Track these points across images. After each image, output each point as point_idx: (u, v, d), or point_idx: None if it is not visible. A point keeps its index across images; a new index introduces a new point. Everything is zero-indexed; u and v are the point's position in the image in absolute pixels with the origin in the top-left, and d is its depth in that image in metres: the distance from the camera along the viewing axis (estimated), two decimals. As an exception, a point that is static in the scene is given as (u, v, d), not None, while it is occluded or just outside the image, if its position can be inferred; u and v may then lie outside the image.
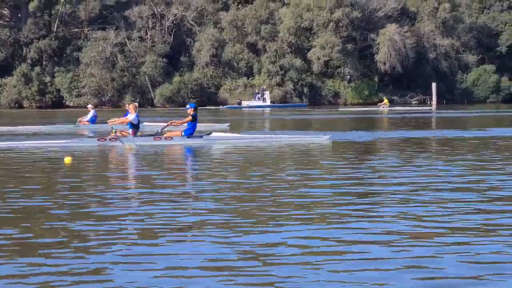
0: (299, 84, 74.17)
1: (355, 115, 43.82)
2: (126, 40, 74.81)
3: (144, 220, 7.37)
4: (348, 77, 77.44)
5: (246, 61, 75.95)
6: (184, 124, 19.08)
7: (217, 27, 77.99)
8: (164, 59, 73.62)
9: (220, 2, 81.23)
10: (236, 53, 75.74)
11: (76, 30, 78.27)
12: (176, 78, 72.20)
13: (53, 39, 75.57)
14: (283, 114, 46.69)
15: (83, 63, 72.94)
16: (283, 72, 74.06)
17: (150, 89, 73.01)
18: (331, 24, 73.20)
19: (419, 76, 79.06)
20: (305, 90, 74.09)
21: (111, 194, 9.20)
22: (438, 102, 75.11)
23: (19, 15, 77.21)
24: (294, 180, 10.52)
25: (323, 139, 18.77)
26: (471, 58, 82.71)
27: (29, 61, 75.15)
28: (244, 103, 68.44)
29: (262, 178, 10.73)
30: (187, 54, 76.82)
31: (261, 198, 8.80)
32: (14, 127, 28.06)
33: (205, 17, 79.78)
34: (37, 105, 72.39)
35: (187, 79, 72.43)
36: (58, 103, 72.78)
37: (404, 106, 63.48)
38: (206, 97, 72.87)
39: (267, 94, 69.61)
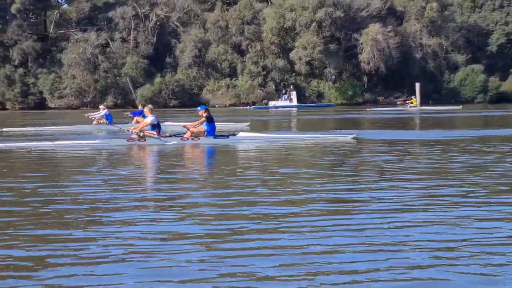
0: (282, 85, 73.57)
1: (384, 115, 43.31)
2: (109, 41, 74.59)
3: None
4: (333, 77, 76.76)
5: (230, 62, 75.50)
6: (200, 126, 19.24)
7: (202, 28, 77.53)
8: (145, 60, 73.35)
9: (208, 3, 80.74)
10: (220, 54, 75.36)
11: (61, 31, 78.06)
12: (158, 79, 71.97)
13: (37, 40, 75.43)
14: (315, 114, 46.50)
15: (65, 64, 72.71)
16: (265, 73, 73.51)
17: (132, 90, 72.67)
18: (314, 24, 72.55)
19: (406, 76, 78.28)
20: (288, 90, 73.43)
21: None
22: (423, 102, 74.15)
23: (6, 17, 77.19)
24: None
25: (348, 138, 19.06)
26: (459, 57, 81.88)
27: (14, 62, 74.98)
28: (271, 103, 69.23)
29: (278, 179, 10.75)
30: (172, 55, 76.44)
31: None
32: (41, 127, 28.69)
33: (192, 18, 79.38)
34: (20, 106, 72.47)
35: (168, 80, 72.17)
36: (41, 104, 72.67)
37: (433, 106, 62.43)
38: (188, 98, 72.55)
39: (293, 95, 70.19)
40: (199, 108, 20.01)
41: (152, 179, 11.65)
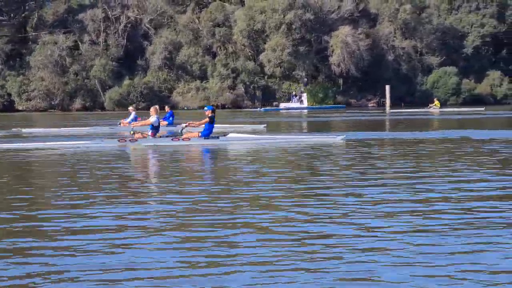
0: (251, 87, 73.18)
1: (403, 117, 43.05)
2: (80, 43, 74.15)
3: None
4: (305, 79, 76.38)
5: (200, 64, 75.07)
6: (202, 125, 19.52)
7: (174, 30, 77.11)
8: (114, 63, 72.85)
9: (183, 5, 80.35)
10: (190, 56, 74.89)
11: (35, 34, 77.46)
12: (126, 82, 71.59)
13: (7, 43, 74.91)
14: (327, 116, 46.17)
15: (32, 66, 72.19)
16: (234, 75, 73.11)
17: (101, 92, 72.16)
18: (283, 26, 72.14)
19: (380, 79, 77.86)
20: (258, 93, 73.09)
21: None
22: (394, 105, 73.89)
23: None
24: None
25: (337, 139, 19.02)
26: (433, 60, 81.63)
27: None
28: (282, 105, 69.62)
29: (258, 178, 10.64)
30: (143, 58, 76.02)
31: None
32: (57, 129, 28.92)
33: (166, 20, 78.97)
34: (-12, 109, 71.81)
35: (137, 82, 71.72)
36: (9, 107, 72.08)
37: (455, 108, 62.17)
38: (158, 100, 71.75)
39: (304, 96, 70.63)
40: (206, 108, 20.32)
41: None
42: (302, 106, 68.95)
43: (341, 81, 78.51)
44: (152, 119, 19.38)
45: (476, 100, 78.42)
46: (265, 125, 28.48)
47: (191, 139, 18.82)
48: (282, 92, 75.23)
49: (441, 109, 56.76)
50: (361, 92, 79.63)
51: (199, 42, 76.65)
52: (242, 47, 75.61)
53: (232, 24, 76.00)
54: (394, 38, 78.95)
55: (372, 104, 77.03)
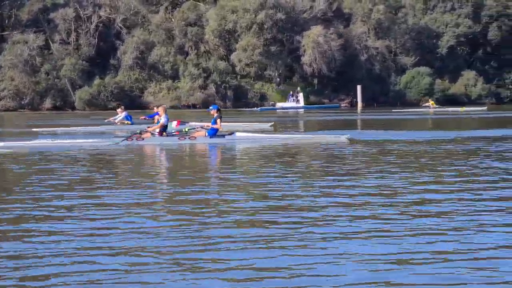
0: (223, 87, 72.95)
1: (375, 116, 43.91)
2: (50, 43, 73.73)
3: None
4: (278, 79, 76.22)
5: (172, 64, 74.75)
6: (209, 124, 20.07)
7: (146, 30, 76.76)
8: (84, 62, 72.45)
9: (156, 5, 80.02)
10: (162, 55, 74.55)
11: (6, 33, 76.91)
12: (96, 81, 71.27)
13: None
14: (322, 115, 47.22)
15: (2, 66, 71.74)
16: (206, 75, 72.89)
17: (71, 92, 71.76)
18: (255, 26, 71.90)
19: (354, 79, 77.75)
20: (229, 93, 72.84)
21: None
22: (368, 105, 73.94)
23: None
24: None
25: (342, 138, 19.49)
26: (407, 60, 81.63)
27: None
28: (278, 105, 70.14)
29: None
30: (116, 57, 75.63)
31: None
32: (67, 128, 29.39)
33: (139, 19, 78.60)
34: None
35: (108, 82, 71.38)
36: (-21, 107, 71.51)
37: (450, 107, 62.46)
38: (128, 100, 71.52)
39: (300, 96, 71.02)
40: (211, 107, 20.86)
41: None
42: (299, 105, 69.47)
43: (316, 81, 78.43)
44: (163, 119, 19.91)
45: (448, 100, 78.49)
46: (272, 123, 29.31)
47: (197, 138, 19.40)
48: (254, 92, 74.98)
49: (439, 109, 58.03)
50: (336, 92, 79.55)
51: (171, 41, 76.34)
52: (215, 46, 75.34)
53: (205, 23, 75.75)
54: (368, 38, 78.82)
55: (344, 104, 76.97)
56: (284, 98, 73.82)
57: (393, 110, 57.27)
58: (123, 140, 19.15)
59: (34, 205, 8.46)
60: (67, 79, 71.62)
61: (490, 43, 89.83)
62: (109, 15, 76.75)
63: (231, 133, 19.93)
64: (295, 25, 75.03)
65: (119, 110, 31.73)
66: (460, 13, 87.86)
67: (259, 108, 67.79)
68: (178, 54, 75.91)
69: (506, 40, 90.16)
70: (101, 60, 75.29)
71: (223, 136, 19.53)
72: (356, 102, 74.94)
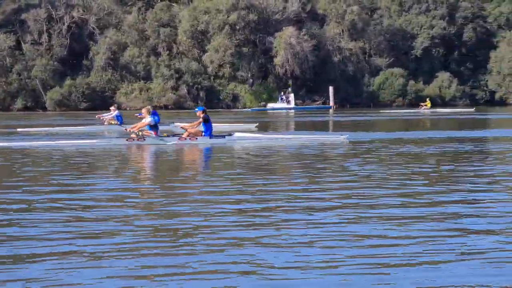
0: (194, 88, 72.78)
1: (347, 118, 44.08)
2: (22, 43, 73.34)
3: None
4: (251, 80, 76.16)
5: (145, 65, 74.53)
6: (199, 126, 19.96)
7: (119, 31, 76.49)
8: (56, 63, 72.13)
9: (129, 4, 79.74)
10: (135, 56, 74.32)
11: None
12: (67, 82, 70.98)
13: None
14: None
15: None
16: (178, 76, 72.72)
17: (42, 92, 71.37)
18: (227, 27, 71.73)
19: (328, 80, 77.78)
20: (201, 94, 72.67)
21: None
22: (341, 106, 74.02)
23: None
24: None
25: (340, 138, 19.91)
26: (380, 61, 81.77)
27: None
28: (269, 105, 70.75)
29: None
30: (89, 58, 75.31)
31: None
32: (53, 128, 29.45)
33: (113, 19, 78.30)
34: None
35: (79, 83, 71.05)
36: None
37: (445, 108, 63.66)
38: (100, 101, 71.40)
39: (291, 97, 71.79)
40: (196, 109, 20.93)
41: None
42: (289, 106, 70.07)
43: (291, 82, 78.35)
44: (147, 120, 19.87)
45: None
46: (257, 124, 29.55)
47: (198, 138, 19.43)
48: (227, 93, 74.82)
49: (431, 110, 58.49)
50: (310, 93, 79.50)
51: (144, 42, 76.12)
52: (188, 47, 75.16)
53: (178, 24, 75.55)
54: (341, 40, 78.79)
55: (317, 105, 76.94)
56: (257, 99, 73.87)
57: (403, 111, 58.10)
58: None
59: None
60: (39, 79, 71.28)
61: (465, 44, 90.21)
62: (82, 15, 76.38)
63: (230, 134, 20.21)
64: (268, 26, 74.96)
65: (112, 108, 31.82)
66: (435, 15, 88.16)
67: (250, 108, 68.64)
68: (151, 55, 75.69)
69: (481, 41, 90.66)
70: (74, 61, 75.01)
71: (223, 136, 19.85)
72: (329, 103, 74.95)
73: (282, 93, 72.67)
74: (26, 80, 71.98)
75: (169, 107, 70.79)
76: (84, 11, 77.03)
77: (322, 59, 77.62)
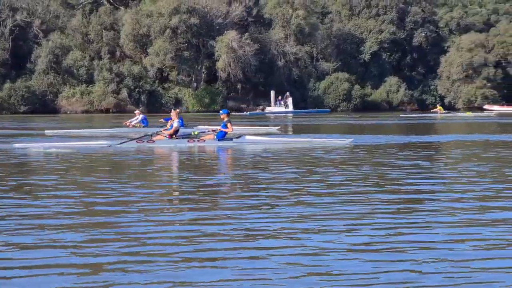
0: (136, 91, 72.63)
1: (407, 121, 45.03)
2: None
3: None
4: (195, 84, 76.13)
5: (87, 68, 74.31)
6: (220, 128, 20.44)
7: (62, 34, 76.28)
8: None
9: (75, 8, 79.66)
10: (77, 60, 74.09)
11: None
12: (7, 85, 70.56)
13: None
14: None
15: None
16: (119, 79, 72.56)
17: (-18, 96, 70.91)
18: (168, 30, 71.64)
19: (273, 84, 77.80)
20: (142, 97, 72.51)
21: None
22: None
23: None
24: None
25: (346, 142, 20.12)
26: (328, 65, 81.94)
27: None
28: (268, 109, 71.30)
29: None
30: (32, 61, 74.97)
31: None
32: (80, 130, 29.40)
33: (59, 22, 78.13)
34: None
35: (18, 86, 70.63)
36: None
37: (450, 113, 65.88)
38: (41, 104, 71.11)
39: (289, 101, 72.03)
40: (221, 112, 21.15)
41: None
42: (288, 110, 70.38)
43: (239, 86, 78.36)
44: (175, 124, 20.65)
45: (366, 106, 79.10)
46: (279, 127, 30.82)
47: (206, 140, 19.91)
48: (169, 96, 74.68)
49: (444, 114, 61.70)
50: (258, 97, 79.48)
51: (88, 46, 75.95)
52: (130, 51, 75.06)
53: (121, 28, 75.43)
54: (286, 44, 78.84)
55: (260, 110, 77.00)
56: (201, 104, 73.79)
57: (408, 115, 59.51)
58: (122, 142, 19.36)
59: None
60: (-23, 83, 70.86)
61: (417, 49, 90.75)
62: (26, 18, 76.08)
63: (239, 136, 20.41)
64: (211, 30, 74.88)
65: (136, 112, 32.14)
66: (384, 19, 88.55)
67: (248, 112, 68.71)
68: (95, 59, 75.52)
69: (433, 46, 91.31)
70: (18, 64, 74.60)
71: (231, 139, 20.09)
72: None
73: (280, 97, 72.96)
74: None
75: (110, 110, 70.67)
76: (28, 14, 76.76)
77: (267, 64, 77.64)
